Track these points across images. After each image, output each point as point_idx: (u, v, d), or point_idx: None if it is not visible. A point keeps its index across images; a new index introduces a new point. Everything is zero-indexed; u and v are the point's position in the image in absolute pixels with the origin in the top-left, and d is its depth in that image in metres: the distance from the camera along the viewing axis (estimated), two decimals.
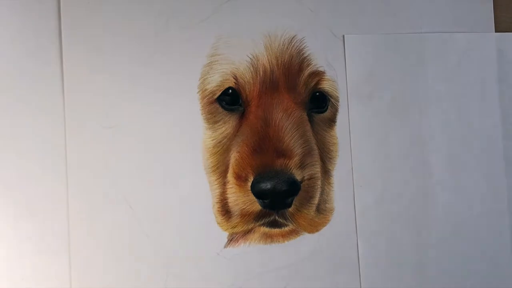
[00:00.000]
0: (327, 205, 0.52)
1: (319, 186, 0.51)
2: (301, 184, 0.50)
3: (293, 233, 0.52)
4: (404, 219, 0.53)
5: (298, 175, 0.49)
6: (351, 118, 0.53)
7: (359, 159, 0.53)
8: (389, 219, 0.53)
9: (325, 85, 0.53)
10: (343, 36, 0.53)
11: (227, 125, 0.51)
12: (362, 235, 0.52)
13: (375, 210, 0.53)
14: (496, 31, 0.56)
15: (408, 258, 0.53)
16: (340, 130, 0.53)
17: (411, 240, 0.53)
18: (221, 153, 0.50)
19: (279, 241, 0.51)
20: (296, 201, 0.50)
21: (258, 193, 0.49)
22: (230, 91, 0.51)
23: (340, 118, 0.53)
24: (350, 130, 0.53)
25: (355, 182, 0.53)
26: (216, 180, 0.50)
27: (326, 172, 0.52)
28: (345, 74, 0.53)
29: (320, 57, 0.52)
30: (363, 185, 0.53)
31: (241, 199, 0.50)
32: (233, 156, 0.50)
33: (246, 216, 0.50)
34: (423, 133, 0.54)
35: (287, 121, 0.50)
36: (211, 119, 0.50)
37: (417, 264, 0.53)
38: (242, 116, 0.51)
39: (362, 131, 0.53)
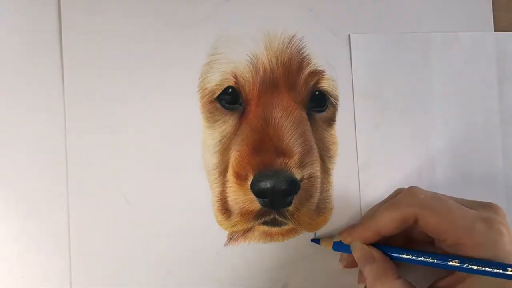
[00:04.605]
0: (327, 204, 0.52)
1: (318, 185, 0.51)
2: (301, 183, 0.50)
3: (293, 231, 0.51)
4: None
5: (297, 174, 0.49)
6: (357, 117, 0.53)
7: (364, 158, 0.53)
8: None
9: (325, 84, 0.53)
10: (349, 36, 0.53)
11: (227, 124, 0.51)
12: None
13: None
14: (495, 30, 0.56)
15: None
16: (341, 129, 0.53)
17: None
18: (220, 152, 0.50)
19: (278, 240, 0.51)
20: (295, 200, 0.50)
21: (258, 192, 0.49)
22: (230, 90, 0.51)
23: (342, 117, 0.53)
24: (356, 130, 0.53)
25: (361, 181, 0.53)
26: (215, 179, 0.50)
27: (325, 171, 0.52)
28: (350, 73, 0.53)
29: (319, 56, 0.52)
30: (369, 184, 0.53)
31: (241, 198, 0.50)
32: (233, 155, 0.50)
33: (246, 215, 0.50)
34: (428, 132, 0.54)
35: (286, 120, 0.50)
36: (211, 118, 0.50)
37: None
38: (242, 115, 0.51)
39: (368, 131, 0.53)
